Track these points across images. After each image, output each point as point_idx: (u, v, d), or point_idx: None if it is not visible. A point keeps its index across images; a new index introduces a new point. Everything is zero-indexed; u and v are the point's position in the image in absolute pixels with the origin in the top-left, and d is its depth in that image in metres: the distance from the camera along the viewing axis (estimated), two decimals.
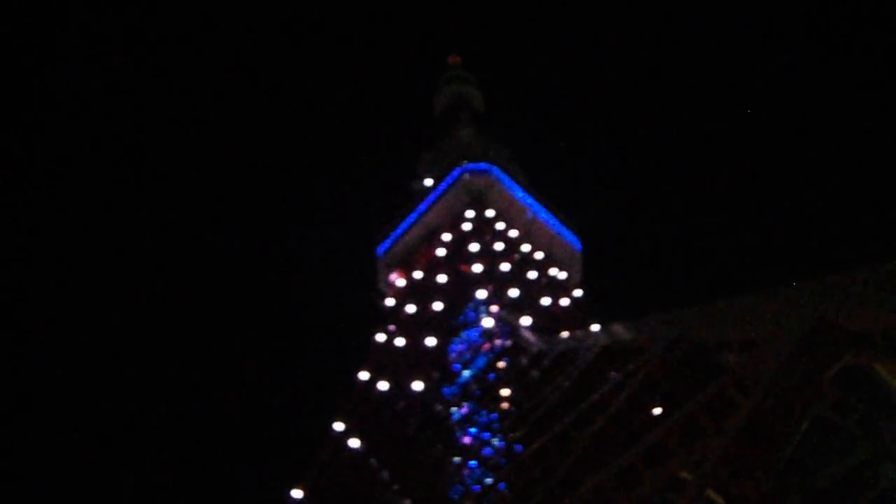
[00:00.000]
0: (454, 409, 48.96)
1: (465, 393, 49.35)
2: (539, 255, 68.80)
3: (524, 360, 47.03)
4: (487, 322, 51.98)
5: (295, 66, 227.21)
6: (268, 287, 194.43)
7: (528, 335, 47.81)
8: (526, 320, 51.81)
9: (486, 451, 42.64)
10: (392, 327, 63.49)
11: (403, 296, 66.53)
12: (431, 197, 72.62)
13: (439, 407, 50.02)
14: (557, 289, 65.41)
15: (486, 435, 44.12)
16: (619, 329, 35.88)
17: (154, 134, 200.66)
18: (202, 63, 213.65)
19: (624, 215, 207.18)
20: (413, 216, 72.95)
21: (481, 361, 50.31)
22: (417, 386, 52.09)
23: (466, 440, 45.22)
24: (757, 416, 17.55)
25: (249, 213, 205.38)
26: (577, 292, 67.75)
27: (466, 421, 46.89)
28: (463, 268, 62.09)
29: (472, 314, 57.29)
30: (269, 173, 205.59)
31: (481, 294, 55.83)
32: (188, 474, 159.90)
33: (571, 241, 73.93)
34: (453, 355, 53.97)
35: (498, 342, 51.04)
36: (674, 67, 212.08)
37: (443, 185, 72.02)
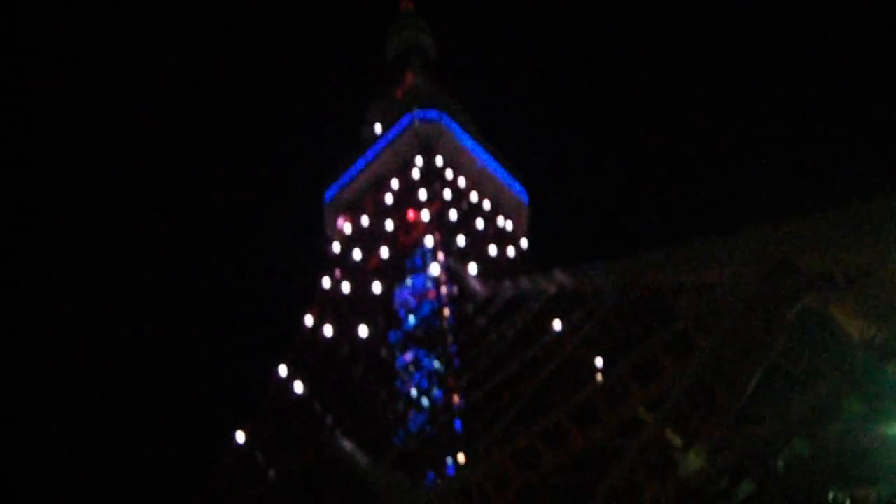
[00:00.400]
0: (399, 355, 48.88)
1: (410, 340, 49.25)
2: (487, 205, 68.73)
3: (470, 308, 47.09)
4: (434, 269, 51.76)
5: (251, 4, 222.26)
6: (216, 232, 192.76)
7: (474, 282, 47.79)
8: (473, 268, 51.67)
9: (431, 397, 42.85)
10: (338, 273, 63.15)
11: (349, 242, 66.13)
12: (380, 143, 71.96)
13: (384, 353, 49.81)
14: (504, 238, 65.43)
15: (428, 382, 44.26)
16: (563, 276, 36.08)
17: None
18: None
19: (572, 167, 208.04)
20: (361, 162, 72.32)
21: (427, 308, 50.16)
22: (363, 332, 51.78)
23: (410, 387, 45.28)
24: (716, 358, 17.94)
25: (201, 155, 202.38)
26: (524, 242, 67.96)
27: (411, 367, 46.90)
28: (410, 215, 61.72)
29: (418, 261, 57.06)
30: (220, 116, 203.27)
31: (429, 241, 55.46)
32: (138, 420, 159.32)
33: (519, 191, 73.93)
34: (399, 302, 53.73)
35: (444, 289, 50.96)
36: (626, 15, 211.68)
37: (392, 132, 71.35)
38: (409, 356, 47.08)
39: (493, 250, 60.18)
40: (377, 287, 55.82)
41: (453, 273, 51.18)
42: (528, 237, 70.79)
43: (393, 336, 51.56)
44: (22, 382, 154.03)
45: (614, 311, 25.06)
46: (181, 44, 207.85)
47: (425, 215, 59.74)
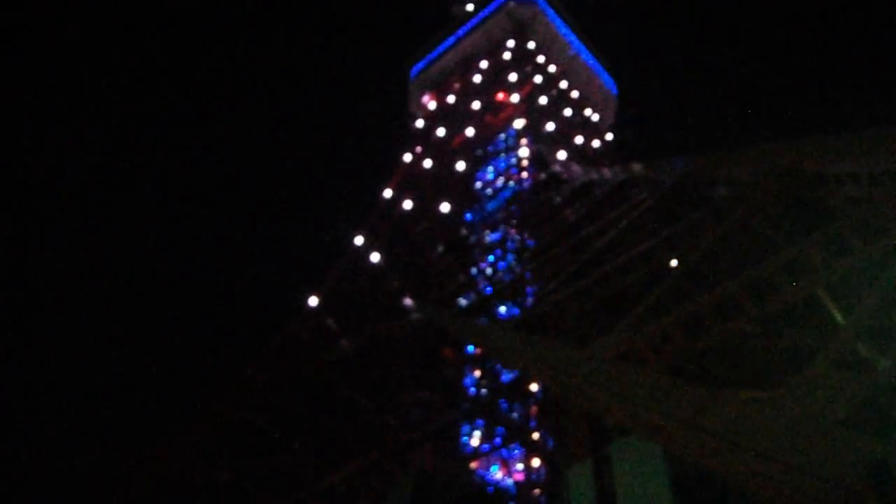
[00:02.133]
0: (478, 233, 48.83)
1: (491, 219, 49.12)
2: (575, 94, 67.63)
3: (556, 195, 46.68)
4: (523, 152, 51.22)
5: None
6: (299, 96, 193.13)
7: (563, 168, 47.27)
8: (561, 154, 51.05)
9: (502, 267, 43.06)
10: (419, 149, 62.85)
11: (434, 118, 65.61)
12: (472, 22, 70.83)
13: (463, 231, 49.80)
14: (590, 129, 64.49)
15: (505, 262, 44.30)
16: (637, 167, 36.14)
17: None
18: None
19: (662, 62, 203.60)
20: (451, 40, 71.34)
21: (510, 190, 49.91)
22: (444, 208, 51.64)
23: (487, 264, 45.40)
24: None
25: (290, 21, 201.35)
26: (609, 135, 66.99)
27: (488, 245, 46.93)
28: (499, 96, 60.95)
29: (502, 143, 56.59)
30: None
31: (517, 124, 54.80)
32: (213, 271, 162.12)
33: (609, 83, 72.68)
34: (482, 181, 53.49)
35: (526, 173, 50.56)
36: None
37: (485, 11, 70.15)
38: (490, 235, 47.04)
39: (578, 139, 59.33)
40: (460, 165, 55.41)
41: (541, 157, 50.62)
42: (613, 130, 69.75)
43: (472, 215, 51.53)
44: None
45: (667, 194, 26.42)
46: None
47: (514, 98, 58.88)
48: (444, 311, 39.80)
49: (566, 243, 32.24)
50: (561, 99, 64.37)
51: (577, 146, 58.76)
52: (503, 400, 37.20)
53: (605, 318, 23.08)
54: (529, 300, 33.50)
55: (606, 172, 41.16)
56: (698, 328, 17.26)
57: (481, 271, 44.45)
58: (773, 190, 19.90)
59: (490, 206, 50.33)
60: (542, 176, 48.27)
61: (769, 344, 17.77)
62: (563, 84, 66.50)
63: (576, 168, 46.13)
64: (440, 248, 51.39)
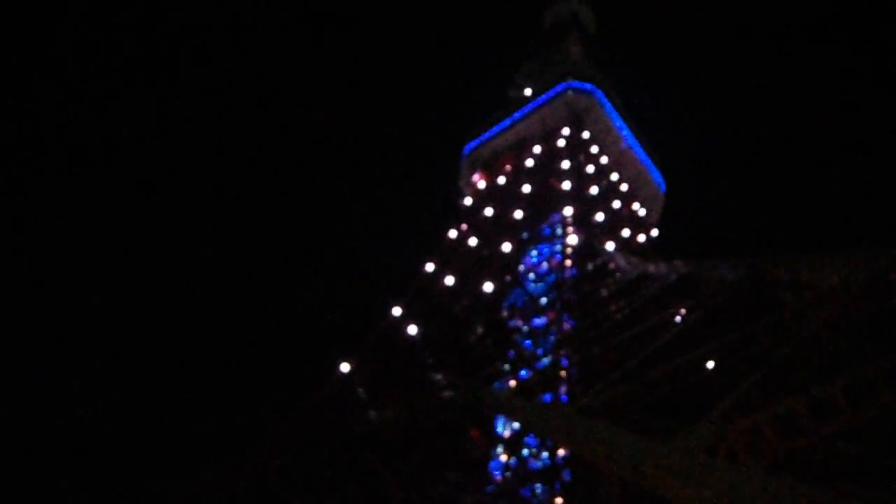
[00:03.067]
0: (520, 317, 48.47)
1: (534, 304, 48.77)
2: (624, 187, 67.73)
3: (603, 288, 46.35)
4: (572, 239, 51.08)
5: None
6: (351, 167, 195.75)
7: (613, 259, 47.06)
8: (610, 245, 50.88)
9: (540, 364, 42.41)
10: (465, 226, 62.88)
11: (482, 198, 65.82)
12: (529, 106, 71.41)
13: (504, 313, 49.47)
14: (637, 223, 64.38)
15: (542, 350, 43.77)
16: (686, 266, 36.05)
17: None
18: None
19: (711, 163, 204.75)
20: (507, 122, 71.88)
21: (555, 276, 49.64)
22: (487, 287, 51.38)
23: (522, 348, 44.95)
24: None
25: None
26: (654, 231, 66.80)
27: (528, 332, 46.51)
28: (551, 181, 61.07)
29: (549, 230, 56.54)
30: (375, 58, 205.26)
31: (568, 211, 54.77)
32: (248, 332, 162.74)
33: (658, 180, 72.86)
34: (528, 265, 53.29)
35: (574, 261, 50.34)
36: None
37: (543, 97, 70.72)
38: (533, 321, 46.65)
39: (625, 233, 59.15)
40: (506, 246, 55.31)
41: (590, 246, 50.48)
42: (659, 227, 69.64)
43: (515, 297, 51.21)
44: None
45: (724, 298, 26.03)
46: None
47: (566, 185, 58.94)
48: (484, 389, 39.37)
49: (618, 336, 31.81)
50: (610, 191, 64.45)
51: (623, 239, 58.59)
52: (528, 487, 36.64)
53: (679, 412, 22.63)
54: (576, 389, 33.00)
55: (659, 268, 40.91)
56: (793, 427, 16.77)
57: (521, 356, 43.92)
58: (861, 295, 19.54)
59: (534, 290, 49.98)
60: (590, 266, 48.07)
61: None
62: (614, 176, 66.70)
63: (626, 260, 45.87)
64: (479, 328, 51.05)
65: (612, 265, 46.94)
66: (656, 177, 72.64)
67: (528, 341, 44.92)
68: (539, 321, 45.63)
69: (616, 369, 26.96)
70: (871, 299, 19.53)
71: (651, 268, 40.68)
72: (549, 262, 51.86)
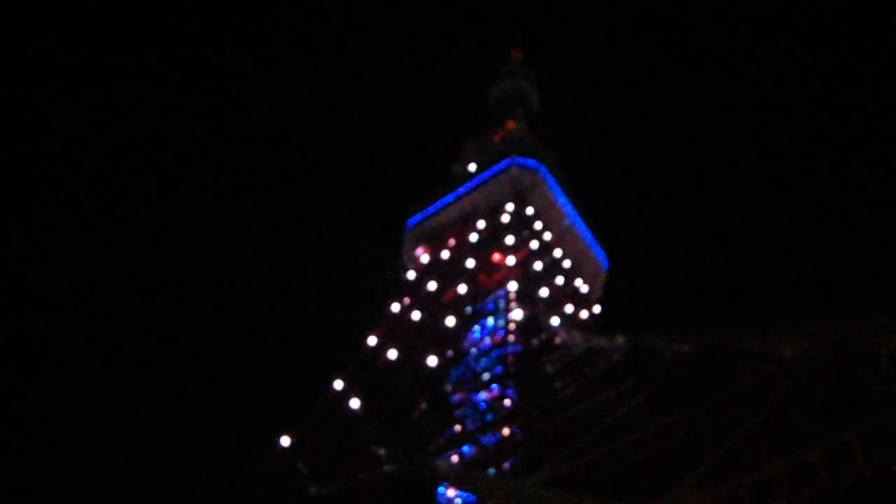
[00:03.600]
0: (462, 392, 48.38)
1: (477, 378, 48.75)
2: (567, 263, 68.29)
3: (546, 363, 46.48)
4: (517, 314, 51.23)
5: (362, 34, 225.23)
6: (293, 242, 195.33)
7: (557, 334, 47.39)
8: (554, 320, 51.18)
9: (484, 438, 42.25)
10: (407, 300, 62.84)
11: (426, 272, 65.93)
12: (474, 181, 72.03)
13: (449, 387, 49.39)
14: (579, 300, 64.80)
15: (486, 424, 43.63)
16: (622, 340, 36.54)
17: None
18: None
19: (654, 240, 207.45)
20: (451, 197, 72.36)
21: (500, 351, 49.70)
22: (431, 362, 51.34)
23: (466, 423, 44.80)
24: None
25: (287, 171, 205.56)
26: (596, 308, 67.26)
27: (472, 406, 46.37)
28: (495, 257, 61.47)
29: (493, 304, 56.73)
30: (316, 134, 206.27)
31: (512, 286, 55.11)
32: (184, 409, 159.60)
33: (600, 257, 73.58)
34: (471, 340, 53.31)
35: (517, 336, 50.49)
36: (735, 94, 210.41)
37: (488, 173, 71.43)
38: (476, 395, 46.56)
39: (568, 308, 59.49)
40: (450, 321, 55.45)
41: (534, 321, 50.73)
42: (601, 303, 70.14)
43: (459, 372, 51.14)
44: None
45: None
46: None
47: (511, 260, 59.33)
48: (427, 463, 39.14)
49: (566, 410, 31.89)
50: (553, 266, 64.94)
51: (566, 315, 58.91)
52: None
53: (640, 482, 22.65)
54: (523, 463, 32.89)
55: (601, 342, 41.23)
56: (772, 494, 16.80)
57: (465, 430, 43.73)
58: (819, 369, 19.84)
59: (478, 365, 49.95)
60: (535, 341, 48.23)
61: None
62: (557, 252, 67.26)
63: (571, 335, 46.20)
64: (423, 403, 50.83)
65: (557, 340, 47.16)
66: (598, 253, 73.42)
67: (472, 416, 44.76)
68: (483, 396, 45.53)
69: (568, 443, 27.00)
70: (836, 371, 19.87)
71: (596, 342, 40.99)
72: (492, 336, 51.92)
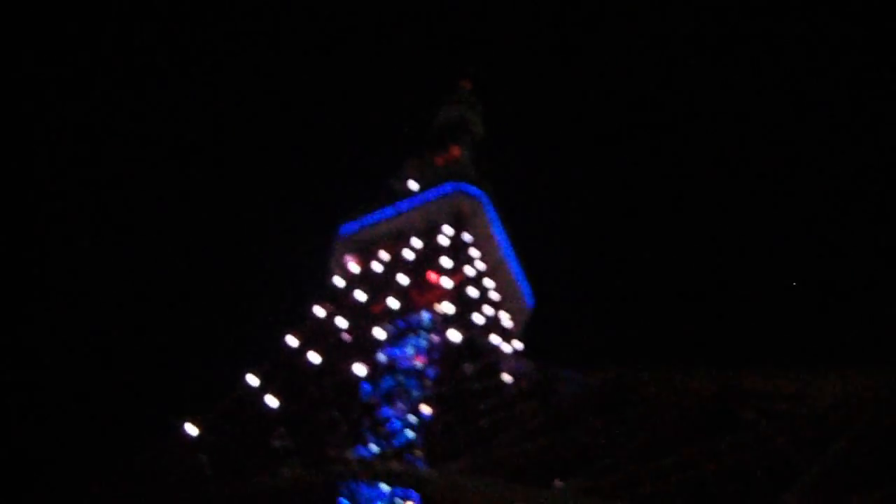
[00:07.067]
0: (384, 403, 47.80)
1: (398, 389, 48.37)
2: (495, 296, 67.99)
3: (476, 384, 46.18)
4: (455, 336, 50.68)
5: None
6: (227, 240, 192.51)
7: (513, 359, 47.59)
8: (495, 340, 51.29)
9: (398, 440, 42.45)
10: (332, 306, 61.75)
11: (355, 281, 64.96)
12: (413, 200, 71.44)
13: (372, 398, 48.63)
14: (502, 333, 64.54)
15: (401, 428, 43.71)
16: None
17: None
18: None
19: (582, 281, 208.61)
20: (389, 211, 71.55)
21: (430, 371, 49.32)
22: (353, 369, 50.60)
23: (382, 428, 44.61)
24: None
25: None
26: (518, 344, 67.12)
27: (390, 414, 46.12)
28: (432, 277, 60.91)
29: (420, 321, 56.26)
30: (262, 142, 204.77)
31: (449, 308, 54.75)
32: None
33: (526, 294, 73.56)
34: (398, 355, 52.68)
35: (439, 353, 50.44)
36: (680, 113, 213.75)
37: (430, 193, 70.98)
38: (396, 403, 46.25)
39: (495, 339, 59.17)
40: (377, 332, 54.77)
41: (471, 345, 50.36)
42: (521, 339, 70.05)
43: (379, 382, 50.52)
44: None
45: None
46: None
47: (446, 283, 58.92)
48: (338, 464, 39.06)
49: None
50: (483, 296, 64.57)
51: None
52: None
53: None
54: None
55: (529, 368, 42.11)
56: None
57: (381, 434, 43.54)
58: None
59: (401, 379, 49.41)
60: (468, 365, 47.73)
61: None
62: (488, 283, 66.94)
63: (507, 359, 46.46)
64: (337, 409, 49.81)
65: (488, 360, 47.32)
66: (525, 291, 73.43)
67: (391, 422, 44.53)
68: (401, 406, 45.35)
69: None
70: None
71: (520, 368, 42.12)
72: (419, 352, 51.55)
